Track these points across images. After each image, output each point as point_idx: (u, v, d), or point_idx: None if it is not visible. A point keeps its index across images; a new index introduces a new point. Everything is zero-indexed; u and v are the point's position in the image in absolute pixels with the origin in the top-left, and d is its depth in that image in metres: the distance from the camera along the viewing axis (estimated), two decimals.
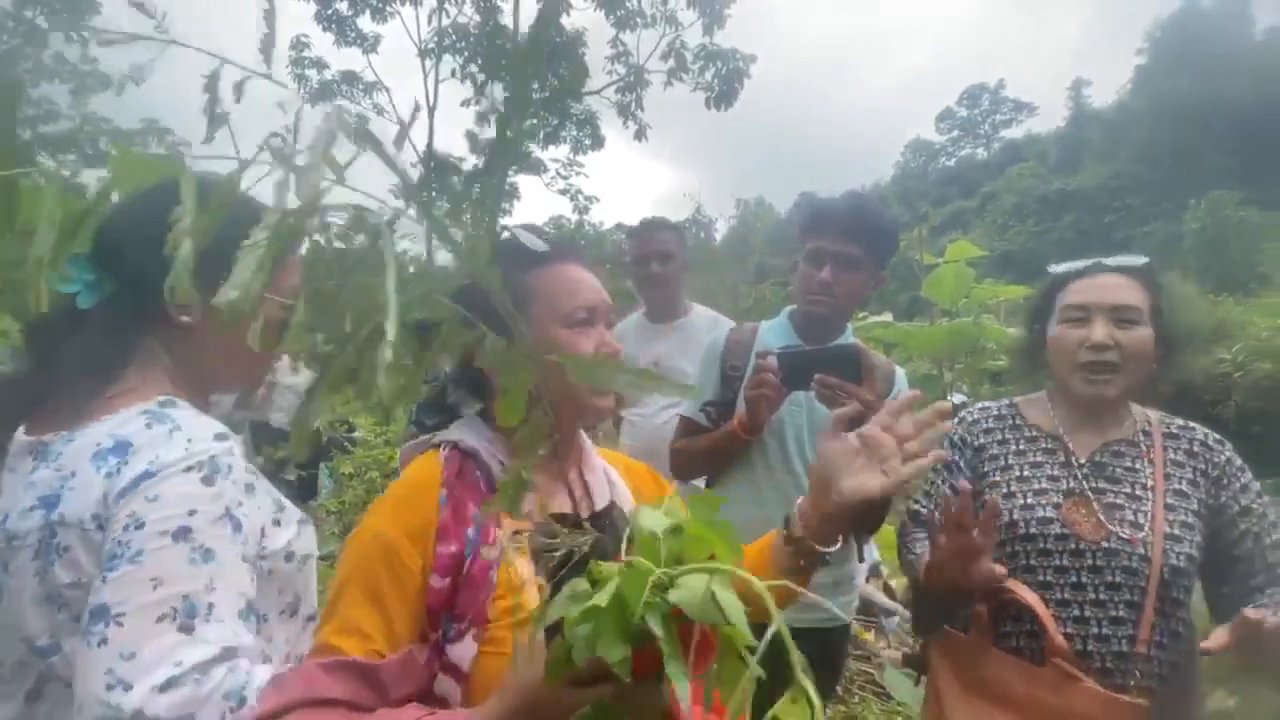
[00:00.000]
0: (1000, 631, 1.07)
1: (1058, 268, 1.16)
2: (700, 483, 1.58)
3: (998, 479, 1.12)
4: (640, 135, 9.22)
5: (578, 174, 10.80)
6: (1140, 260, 1.10)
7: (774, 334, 1.48)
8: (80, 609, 0.60)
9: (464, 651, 0.66)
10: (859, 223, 1.32)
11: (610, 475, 0.86)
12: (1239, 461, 1.07)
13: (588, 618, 0.50)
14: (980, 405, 1.23)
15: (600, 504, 0.81)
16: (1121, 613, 1.00)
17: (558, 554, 0.63)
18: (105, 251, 0.68)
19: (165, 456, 0.62)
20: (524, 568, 0.69)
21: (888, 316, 4.24)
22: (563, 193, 10.79)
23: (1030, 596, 1.01)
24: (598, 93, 9.52)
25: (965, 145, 60.92)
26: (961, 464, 1.17)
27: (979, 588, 0.99)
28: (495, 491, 0.65)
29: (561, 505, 0.79)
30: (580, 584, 0.54)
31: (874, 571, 3.87)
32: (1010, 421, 1.18)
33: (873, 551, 4.00)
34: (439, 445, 0.78)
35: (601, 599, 0.49)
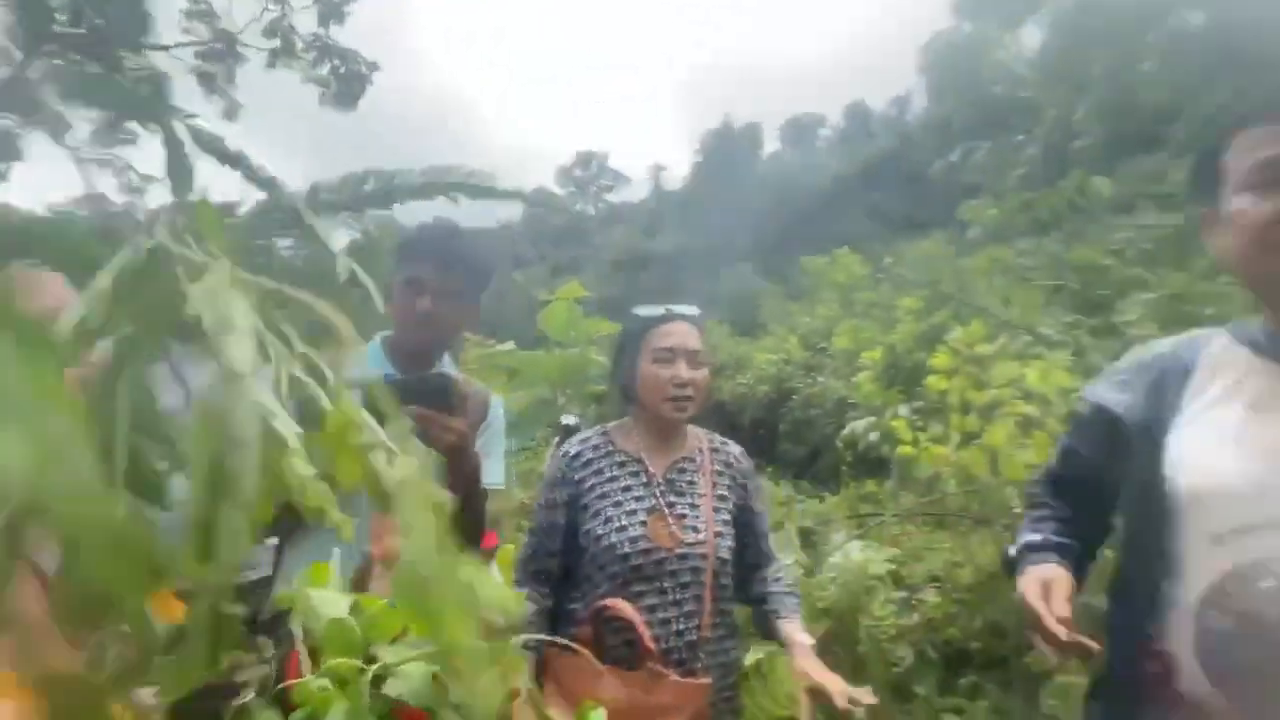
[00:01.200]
0: (606, 646, 1.18)
1: (643, 310, 1.35)
2: None
3: (597, 507, 1.25)
4: (231, 115, 7.67)
5: (124, 142, 8.27)
6: (696, 310, 1.36)
7: (368, 361, 1.32)
8: None
9: None
10: (459, 253, 1.29)
11: None
12: (754, 471, 1.40)
13: None
14: (580, 438, 1.35)
15: None
16: (691, 607, 1.20)
17: None
18: None
19: None
20: None
21: (511, 345, 4.40)
22: (101, 164, 8.10)
23: (629, 611, 1.14)
24: (167, 49, 7.56)
25: (579, 201, 70.10)
26: (560, 501, 1.27)
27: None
28: None
29: None
30: None
31: None
32: (604, 449, 1.32)
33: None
34: None
35: None
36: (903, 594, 3.08)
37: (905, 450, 3.01)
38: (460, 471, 1.15)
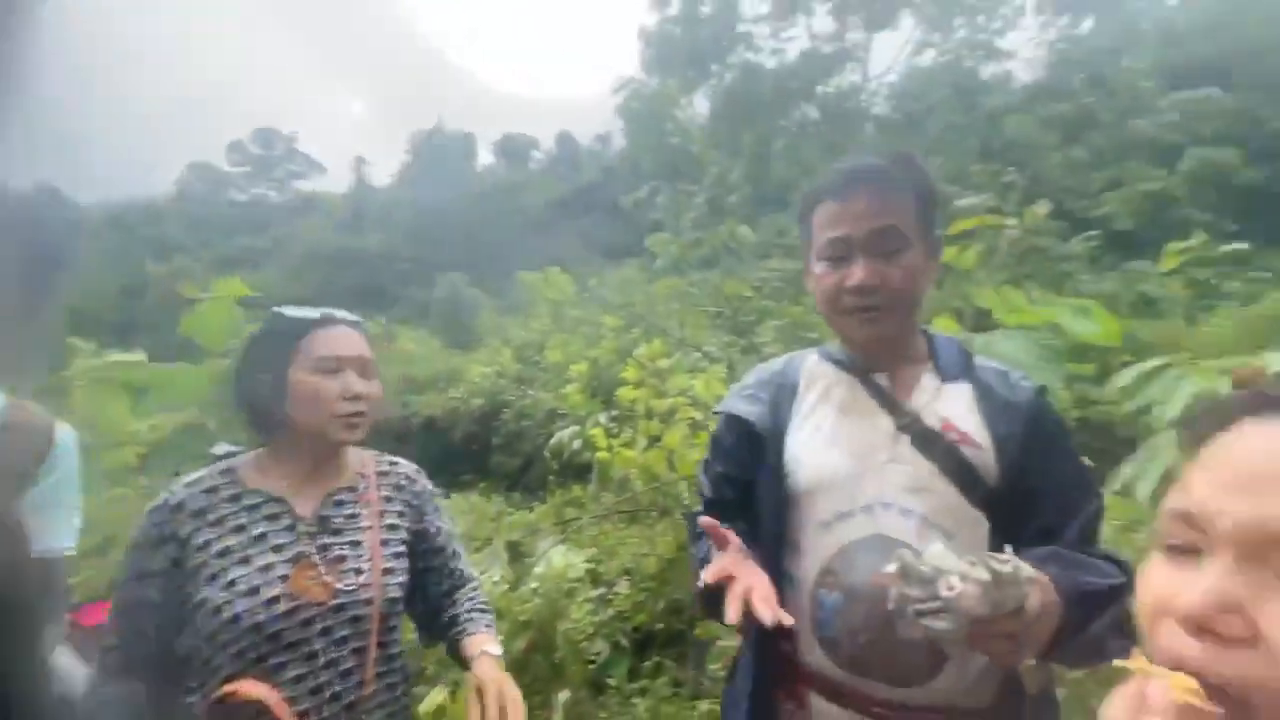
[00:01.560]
0: None
1: (293, 311, 1.08)
2: None
3: (215, 569, 0.95)
4: None
5: None
6: (357, 318, 1.14)
7: None
8: None
9: None
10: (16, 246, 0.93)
11: None
12: (432, 488, 1.23)
13: None
14: (187, 480, 1.02)
15: None
16: (350, 664, 1.00)
17: None
18: None
19: None
20: None
21: (140, 355, 3.40)
22: None
23: (264, 692, 0.90)
24: None
25: (259, 184, 59.59)
26: (156, 570, 0.96)
27: None
28: None
29: None
30: None
31: None
32: (226, 493, 1.01)
33: None
34: None
35: None
36: (600, 591, 3.33)
37: (602, 455, 3.27)
38: None
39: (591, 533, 4.05)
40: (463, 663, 1.13)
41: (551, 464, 6.27)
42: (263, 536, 1.00)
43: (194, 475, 1.03)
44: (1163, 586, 0.40)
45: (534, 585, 2.62)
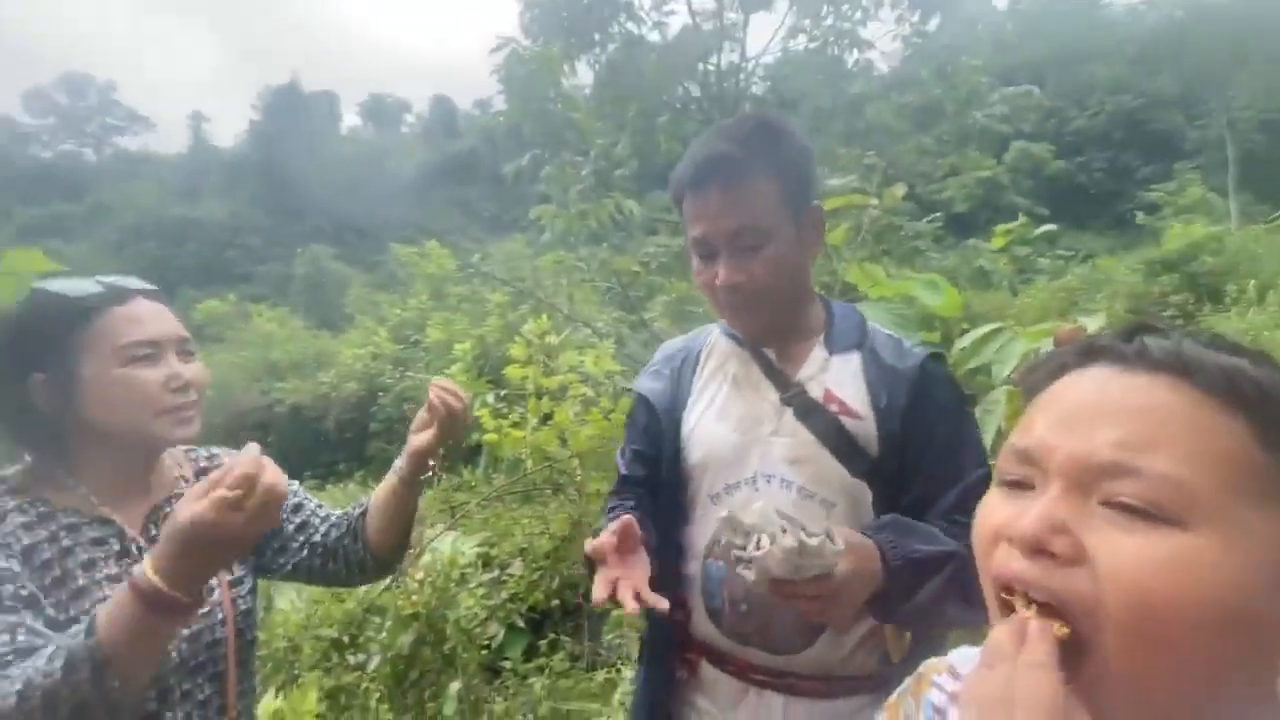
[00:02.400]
0: None
1: (74, 287, 0.83)
2: None
3: (48, 603, 0.76)
4: None
5: None
6: (152, 286, 0.91)
7: None
8: None
9: None
10: None
11: None
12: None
13: None
14: None
15: None
16: (207, 692, 0.87)
17: None
18: None
19: None
20: None
21: None
22: None
23: None
24: None
25: (66, 139, 50.69)
26: None
27: None
28: None
29: None
30: None
31: None
32: (33, 516, 0.80)
33: None
34: None
35: None
36: (493, 575, 3.25)
37: (490, 437, 3.17)
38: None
39: (483, 516, 3.94)
40: (381, 555, 1.03)
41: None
42: (92, 563, 0.81)
43: None
44: (999, 515, 0.44)
45: (420, 577, 2.49)
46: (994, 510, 0.45)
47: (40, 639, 0.71)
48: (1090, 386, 0.43)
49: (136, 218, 32.99)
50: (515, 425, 3.10)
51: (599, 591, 0.76)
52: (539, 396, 3.11)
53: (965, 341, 1.73)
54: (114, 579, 0.82)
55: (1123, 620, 0.37)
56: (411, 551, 2.97)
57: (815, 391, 0.94)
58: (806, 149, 0.94)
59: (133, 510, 0.88)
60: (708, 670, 0.96)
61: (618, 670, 2.60)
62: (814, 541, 0.69)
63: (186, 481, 0.95)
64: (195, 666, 0.87)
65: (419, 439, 1.00)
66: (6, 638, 0.70)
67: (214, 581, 0.90)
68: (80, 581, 0.80)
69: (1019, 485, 0.44)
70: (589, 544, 0.81)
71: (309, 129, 37.49)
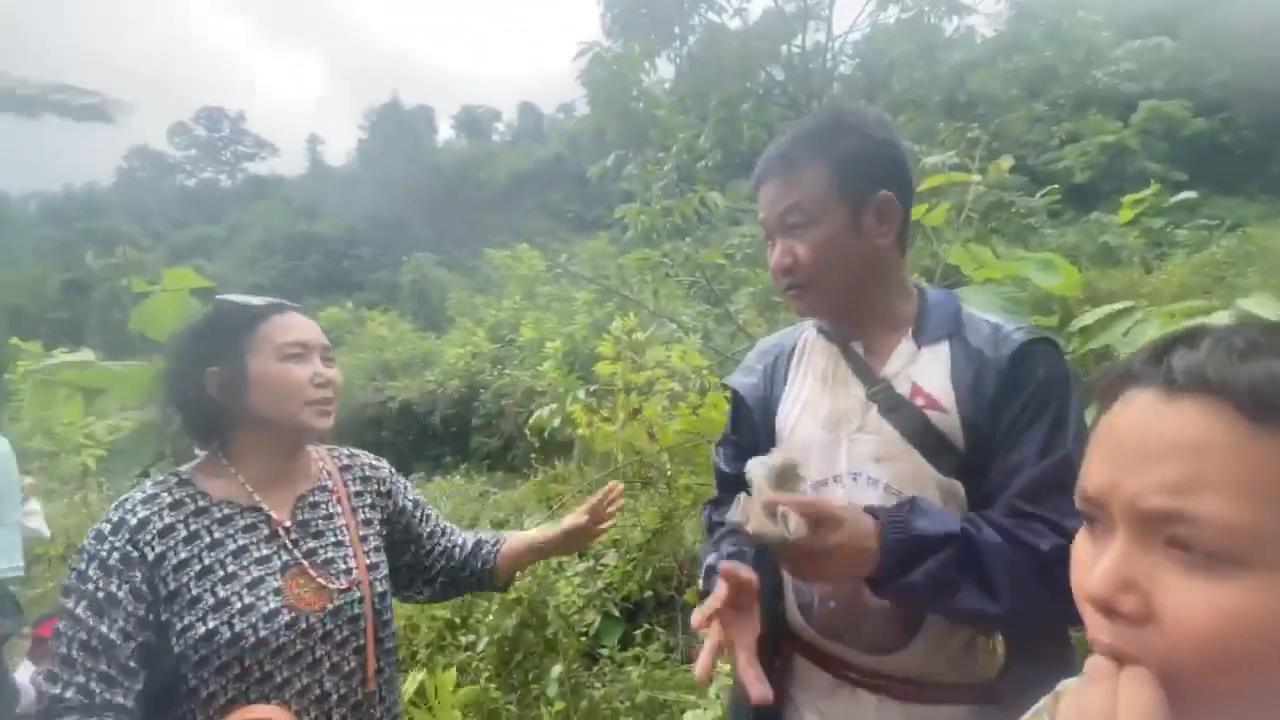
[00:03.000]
0: None
1: (244, 299, 1.01)
2: None
3: (197, 592, 0.88)
4: None
5: None
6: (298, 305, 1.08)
7: None
8: None
9: None
10: None
11: None
12: (390, 467, 1.19)
13: None
14: (144, 499, 0.92)
15: None
16: (353, 664, 0.99)
17: None
18: None
19: None
20: None
21: (87, 354, 3.23)
22: None
23: (268, 712, 0.86)
24: None
25: (206, 168, 57.10)
26: (124, 595, 0.85)
27: None
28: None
29: None
30: None
31: None
32: (192, 506, 0.93)
33: None
34: None
35: None
36: (589, 564, 3.36)
37: (582, 431, 3.27)
38: None
39: (577, 507, 4.06)
40: (504, 584, 1.25)
41: (533, 442, 6.26)
42: (242, 550, 0.93)
43: (147, 491, 0.93)
44: (1079, 566, 0.41)
45: None
46: (1077, 552, 0.42)
47: (110, 687, 0.84)
48: (1134, 418, 0.39)
49: (265, 235, 36.64)
50: (605, 420, 3.18)
51: (704, 663, 0.79)
52: (627, 392, 3.18)
53: (1086, 320, 1.58)
54: (263, 560, 0.94)
55: (1196, 676, 0.35)
56: None
57: (902, 386, 0.91)
58: (878, 140, 0.91)
59: (281, 498, 1.00)
60: (800, 663, 0.96)
61: (714, 664, 2.61)
62: (769, 510, 0.74)
63: (329, 475, 1.08)
64: (340, 640, 0.97)
65: (578, 519, 1.19)
66: (75, 689, 0.83)
67: (352, 563, 1.01)
68: (230, 568, 0.92)
69: (1097, 526, 0.41)
70: (696, 615, 0.80)
71: (409, 144, 40.01)
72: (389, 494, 1.15)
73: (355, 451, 1.16)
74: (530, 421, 4.81)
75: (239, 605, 0.90)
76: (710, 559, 0.99)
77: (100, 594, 0.85)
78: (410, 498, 1.19)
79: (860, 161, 0.90)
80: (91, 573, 0.86)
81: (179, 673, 0.88)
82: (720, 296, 3.87)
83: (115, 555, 0.87)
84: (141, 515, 0.90)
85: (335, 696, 0.96)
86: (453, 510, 6.21)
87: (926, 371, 0.91)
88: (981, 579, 0.76)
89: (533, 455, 6.70)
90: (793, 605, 0.96)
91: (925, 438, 0.87)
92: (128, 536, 0.88)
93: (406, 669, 2.23)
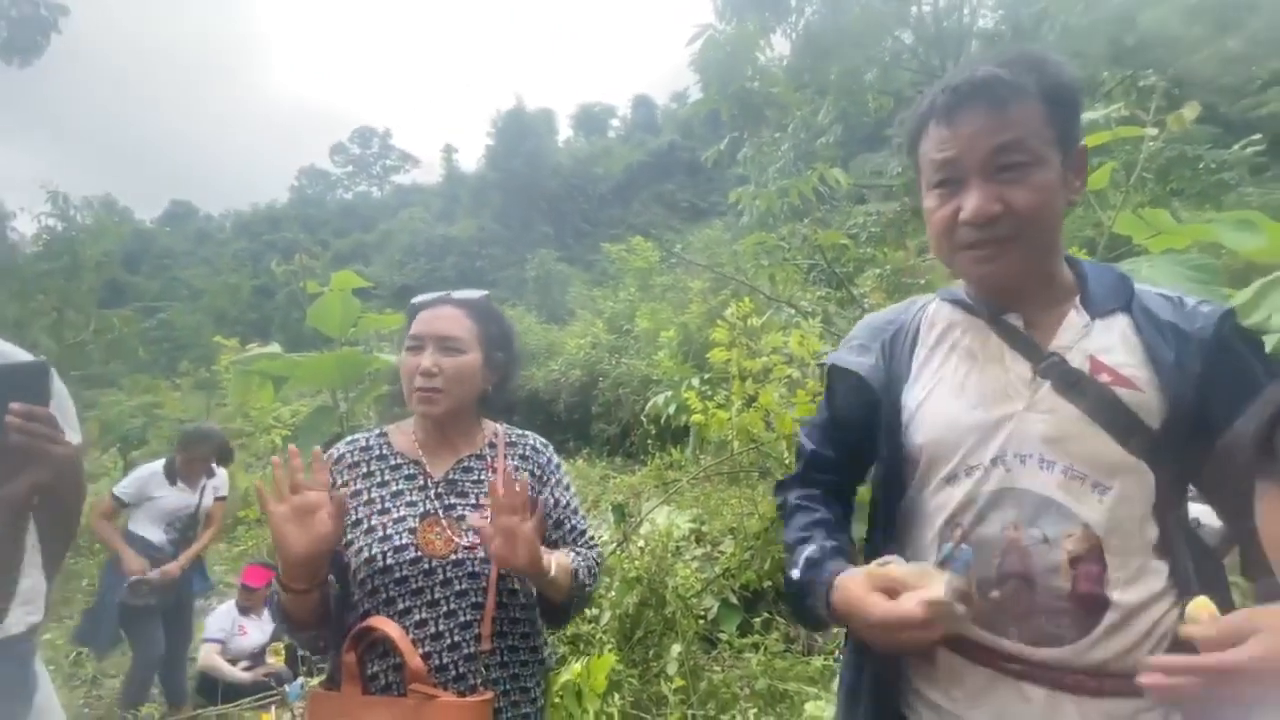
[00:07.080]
0: (370, 674, 1.04)
1: (418, 298, 1.23)
2: None
3: (361, 515, 1.11)
4: None
5: None
6: (477, 294, 1.23)
7: None
8: None
9: None
10: None
11: None
12: (557, 460, 1.28)
13: None
14: (349, 440, 1.20)
15: None
16: (468, 617, 1.07)
17: None
18: None
19: None
20: None
21: (275, 347, 3.77)
22: None
23: (391, 628, 1.02)
24: None
25: (360, 182, 63.72)
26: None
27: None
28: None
29: None
30: None
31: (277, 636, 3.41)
32: (377, 452, 1.18)
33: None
34: None
35: None
36: (705, 549, 3.37)
37: (697, 418, 3.27)
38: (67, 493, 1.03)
39: (693, 494, 4.08)
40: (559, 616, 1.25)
41: (649, 429, 6.36)
42: (399, 493, 1.12)
43: (355, 436, 1.19)
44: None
45: (640, 544, 2.68)
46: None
47: None
48: None
49: (410, 239, 40.26)
50: (720, 407, 3.16)
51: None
52: (742, 379, 3.12)
53: (1247, 294, 1.31)
54: (411, 504, 1.12)
55: None
56: (633, 519, 3.22)
57: (1077, 360, 0.81)
58: (1076, 81, 0.82)
59: (442, 458, 1.18)
60: (946, 658, 0.87)
61: (836, 659, 2.52)
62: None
63: (494, 447, 1.21)
64: (460, 590, 1.08)
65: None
66: None
67: (488, 520, 1.06)
68: (387, 505, 1.12)
69: None
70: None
71: (532, 145, 41.99)
72: (541, 479, 1.22)
73: (526, 433, 1.28)
74: (647, 409, 4.89)
75: (381, 534, 1.08)
76: (809, 550, 0.91)
77: None
78: (559, 494, 1.23)
79: (1070, 105, 0.81)
80: None
81: (348, 584, 1.09)
82: (842, 279, 3.68)
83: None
84: (341, 451, 1.17)
85: (449, 640, 1.06)
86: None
87: (1105, 345, 0.82)
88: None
89: (649, 441, 6.83)
90: None
91: (1114, 416, 0.78)
92: (330, 464, 1.11)
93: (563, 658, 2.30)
